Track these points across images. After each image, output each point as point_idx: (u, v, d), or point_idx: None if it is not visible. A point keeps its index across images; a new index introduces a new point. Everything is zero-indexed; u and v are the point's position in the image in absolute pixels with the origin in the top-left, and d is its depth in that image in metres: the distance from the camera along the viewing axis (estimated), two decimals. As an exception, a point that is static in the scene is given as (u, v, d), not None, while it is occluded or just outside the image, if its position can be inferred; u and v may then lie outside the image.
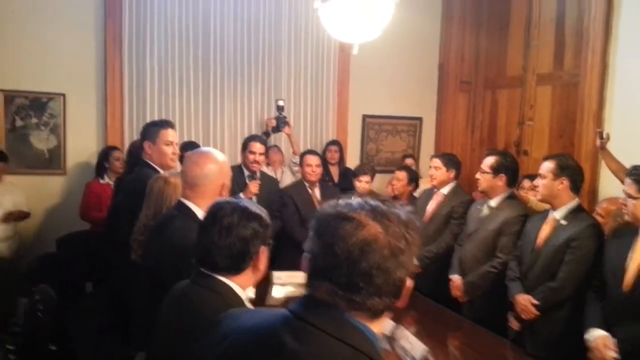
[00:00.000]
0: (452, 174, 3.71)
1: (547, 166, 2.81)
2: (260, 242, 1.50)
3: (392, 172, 5.25)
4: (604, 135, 3.36)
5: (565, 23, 4.52)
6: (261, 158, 3.95)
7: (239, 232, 1.46)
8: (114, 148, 4.50)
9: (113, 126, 4.74)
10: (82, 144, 4.72)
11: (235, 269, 1.49)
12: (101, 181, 4.39)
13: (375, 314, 0.97)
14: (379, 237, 0.93)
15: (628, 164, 3.15)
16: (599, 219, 3.07)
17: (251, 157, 3.88)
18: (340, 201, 1.00)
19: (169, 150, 2.92)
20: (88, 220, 4.38)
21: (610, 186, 3.71)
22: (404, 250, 0.95)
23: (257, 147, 3.91)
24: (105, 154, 4.43)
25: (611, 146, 3.38)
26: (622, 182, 3.20)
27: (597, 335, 2.38)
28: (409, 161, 5.19)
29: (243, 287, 1.53)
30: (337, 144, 5.18)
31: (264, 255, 1.53)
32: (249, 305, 1.53)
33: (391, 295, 0.96)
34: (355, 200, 0.99)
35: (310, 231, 1.01)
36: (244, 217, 1.47)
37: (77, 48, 4.63)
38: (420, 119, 5.83)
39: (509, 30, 5.22)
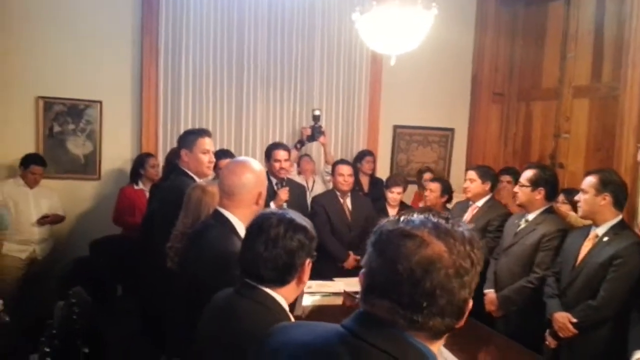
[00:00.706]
0: (488, 186, 3.66)
1: (590, 181, 2.74)
2: (306, 255, 1.49)
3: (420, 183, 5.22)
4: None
5: (604, 34, 4.43)
6: (287, 164, 3.96)
7: (285, 244, 1.45)
8: (150, 155, 4.56)
9: (148, 134, 4.82)
10: (117, 150, 4.81)
11: (280, 281, 1.49)
12: (135, 187, 4.45)
13: (436, 335, 0.94)
14: (444, 256, 0.90)
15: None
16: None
17: (277, 165, 3.89)
18: (402, 217, 0.97)
19: (205, 158, 2.94)
20: (121, 225, 4.44)
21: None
22: (469, 270, 0.92)
23: (282, 154, 3.92)
24: (141, 161, 4.49)
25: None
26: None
27: (642, 358, 2.31)
28: (427, 176, 5.01)
29: (287, 299, 1.52)
30: (372, 154, 5.16)
31: (308, 268, 1.52)
32: (292, 318, 1.52)
33: (454, 316, 0.93)
34: (417, 217, 0.96)
35: (369, 246, 0.98)
36: (290, 229, 1.47)
37: (115, 58, 4.73)
38: (452, 130, 5.77)
39: (544, 41, 5.14)
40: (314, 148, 5.19)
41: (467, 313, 0.95)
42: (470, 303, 0.95)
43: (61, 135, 4.70)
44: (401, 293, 0.90)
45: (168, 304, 2.33)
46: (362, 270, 0.99)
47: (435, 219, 0.95)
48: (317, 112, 4.79)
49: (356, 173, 4.69)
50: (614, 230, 2.69)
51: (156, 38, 4.75)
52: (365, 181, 5.08)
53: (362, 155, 5.11)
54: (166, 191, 2.99)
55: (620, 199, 2.71)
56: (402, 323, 0.91)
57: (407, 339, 0.92)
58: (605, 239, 2.69)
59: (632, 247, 2.60)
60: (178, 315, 2.07)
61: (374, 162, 5.15)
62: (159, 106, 4.80)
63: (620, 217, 2.72)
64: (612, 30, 4.35)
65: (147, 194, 4.25)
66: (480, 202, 3.67)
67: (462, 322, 0.95)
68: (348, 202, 4.18)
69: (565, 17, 4.84)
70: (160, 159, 4.60)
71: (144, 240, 3.25)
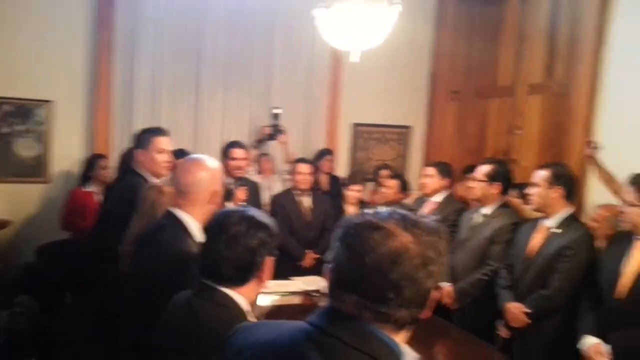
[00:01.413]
0: (446, 182, 3.71)
1: (542, 175, 2.82)
2: (267, 253, 1.46)
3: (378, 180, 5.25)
4: (594, 145, 3.39)
5: (557, 34, 4.56)
6: (243, 163, 3.91)
7: (247, 242, 1.42)
8: (101, 156, 4.41)
9: (100, 134, 4.65)
10: (67, 151, 4.62)
11: (240, 281, 1.45)
12: (85, 189, 4.28)
13: (402, 326, 0.94)
14: (410, 247, 0.91)
15: (618, 173, 3.20)
16: (593, 224, 3.10)
17: (233, 163, 3.84)
18: (368, 210, 0.98)
19: (161, 158, 2.86)
20: (70, 229, 4.25)
21: (598, 196, 3.73)
22: (435, 260, 0.93)
23: (238, 152, 3.88)
24: (92, 162, 4.33)
25: (601, 156, 3.41)
26: (613, 191, 3.26)
27: (590, 343, 2.39)
28: (384, 172, 5.01)
29: (248, 299, 1.48)
30: (331, 153, 5.15)
31: (269, 266, 1.49)
32: (252, 318, 1.48)
33: (418, 306, 0.93)
34: (383, 210, 0.97)
35: (335, 241, 0.97)
36: (252, 227, 1.43)
37: (67, 56, 4.55)
38: (409, 128, 5.84)
39: (500, 40, 5.25)
40: (273, 147, 5.13)
41: (430, 303, 0.95)
42: (434, 293, 0.95)
43: (8, 137, 4.48)
44: (368, 286, 0.91)
45: (122, 308, 2.25)
46: (329, 266, 0.98)
47: (402, 211, 0.96)
48: (276, 111, 4.76)
49: (316, 171, 4.68)
50: (564, 222, 2.77)
51: (111, 34, 4.58)
52: (324, 180, 5.08)
53: (321, 154, 5.10)
54: (121, 192, 2.89)
55: (571, 192, 2.80)
56: (369, 316, 0.92)
57: (374, 332, 0.92)
58: (557, 230, 2.77)
59: (583, 239, 2.69)
60: (132, 318, 1.99)
61: (334, 160, 5.14)
62: (112, 105, 4.65)
63: (570, 209, 2.81)
64: (564, 29, 4.48)
65: (98, 196, 4.13)
66: (437, 198, 3.71)
67: (426, 312, 0.96)
68: (307, 201, 4.16)
69: (521, 16, 4.95)
70: (113, 160, 4.44)
71: (96, 243, 3.13)
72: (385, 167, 5.30)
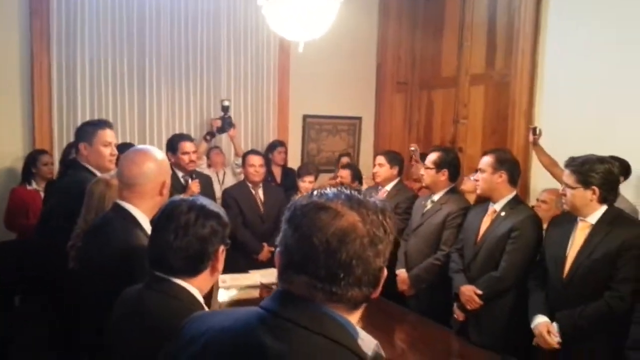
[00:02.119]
0: (396, 170, 3.79)
1: (487, 160, 2.92)
2: (219, 242, 1.44)
3: (333, 171, 5.32)
4: (537, 131, 3.54)
5: (497, 25, 4.72)
6: (195, 156, 3.86)
7: (197, 231, 1.39)
8: (43, 152, 4.23)
9: (41, 129, 4.46)
10: (6, 148, 4.41)
11: (192, 271, 1.43)
12: (28, 187, 4.11)
13: (355, 306, 0.95)
14: (358, 226, 0.91)
15: (557, 158, 3.36)
16: (543, 206, 3.23)
17: (186, 157, 3.78)
18: (315, 192, 0.98)
19: (107, 151, 2.77)
20: (14, 229, 4.09)
21: (540, 180, 3.91)
22: (383, 239, 0.93)
23: (189, 146, 3.82)
24: (33, 159, 4.15)
25: (542, 142, 3.57)
26: (553, 175, 3.41)
27: (540, 322, 2.50)
28: (344, 160, 5.21)
29: (201, 290, 1.46)
30: (283, 144, 5.15)
31: (222, 256, 1.47)
32: (206, 309, 1.47)
33: (370, 285, 0.94)
34: (330, 190, 0.97)
35: (283, 224, 0.97)
36: (201, 216, 1.41)
37: (0, 46, 4.32)
38: (359, 119, 5.91)
39: (443, 32, 5.39)
40: (223, 140, 5.09)
41: (382, 281, 0.96)
42: (385, 272, 0.97)
43: (-61, 134, 4.24)
44: (318, 266, 0.90)
45: (73, 306, 2.19)
46: (278, 249, 0.98)
47: (348, 191, 0.96)
48: (226, 103, 4.71)
49: (268, 164, 4.68)
50: (509, 205, 2.88)
51: (47, 22, 4.39)
52: (277, 172, 5.08)
53: (273, 146, 5.10)
54: (65, 187, 2.78)
55: (515, 175, 2.91)
56: (321, 297, 0.92)
57: (326, 312, 0.92)
58: (503, 213, 2.87)
59: (528, 220, 2.80)
60: (84, 316, 1.94)
61: (286, 152, 5.14)
62: (52, 98, 4.46)
63: (514, 192, 2.93)
64: (503, 21, 4.64)
65: (42, 194, 3.96)
66: (389, 186, 3.78)
67: (378, 291, 0.97)
68: (260, 193, 4.16)
69: (462, 8, 5.10)
70: (56, 156, 4.29)
71: (40, 240, 3.01)
72: (346, 154, 5.40)
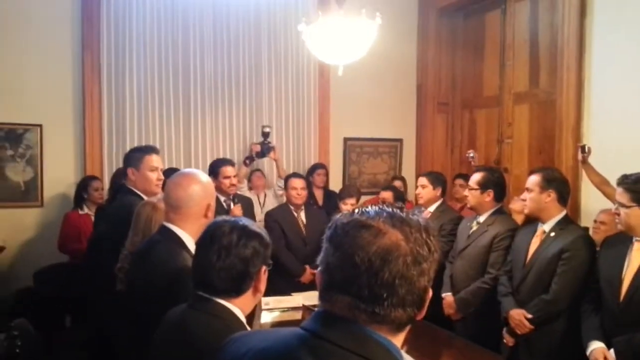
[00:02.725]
0: (439, 191, 3.73)
1: (534, 180, 2.83)
2: (261, 262, 1.45)
3: (375, 193, 5.28)
4: (586, 149, 3.42)
5: (539, 42, 4.64)
6: (235, 180, 3.92)
7: (239, 252, 1.41)
8: (94, 178, 4.40)
9: (92, 156, 4.65)
10: (59, 174, 4.61)
11: (235, 291, 1.43)
12: (80, 212, 4.27)
13: (399, 327, 0.92)
14: (401, 245, 0.89)
15: (608, 176, 3.23)
16: (602, 227, 3.11)
17: (227, 181, 3.85)
18: (356, 209, 0.96)
19: (153, 176, 2.85)
20: (67, 252, 4.25)
21: (592, 200, 3.76)
22: (427, 257, 0.91)
23: (230, 170, 3.90)
24: (84, 184, 4.32)
25: (591, 160, 3.44)
26: (605, 194, 3.27)
27: (596, 348, 2.38)
28: (397, 183, 5.17)
29: (244, 311, 1.47)
30: (324, 167, 5.17)
31: (264, 276, 1.48)
32: (249, 329, 1.47)
33: (415, 305, 0.91)
34: (371, 208, 0.95)
35: (324, 242, 0.96)
36: (243, 236, 1.42)
37: (54, 79, 4.56)
38: (400, 140, 5.87)
39: (484, 51, 5.34)
40: (265, 163, 5.15)
41: (427, 302, 0.93)
42: (430, 292, 0.94)
43: (-1, 162, 4.48)
44: (360, 286, 0.88)
45: (119, 328, 2.23)
46: (319, 269, 0.96)
47: (389, 209, 0.94)
48: (266, 130, 4.78)
49: (309, 186, 4.70)
50: (559, 226, 2.78)
51: (98, 55, 4.62)
52: (319, 194, 5.08)
53: (313, 169, 5.12)
54: (114, 211, 2.88)
55: (564, 194, 2.81)
56: (364, 318, 0.89)
57: (369, 334, 0.89)
58: (552, 234, 2.77)
59: (579, 240, 2.69)
60: (129, 338, 1.97)
61: (326, 174, 5.16)
62: (102, 126, 4.66)
63: (564, 212, 2.82)
64: (546, 38, 4.56)
65: (93, 218, 4.10)
66: (432, 208, 3.73)
67: (423, 312, 0.94)
68: (302, 216, 4.16)
69: (502, 27, 5.04)
70: (106, 181, 4.44)
71: (90, 264, 3.11)
72: (399, 178, 5.41)
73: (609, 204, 3.21)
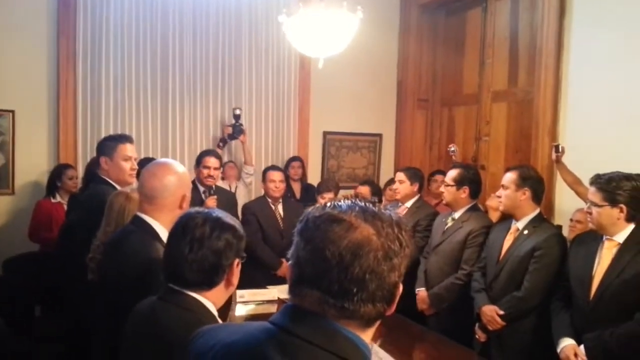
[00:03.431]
0: (416, 187, 3.74)
1: (510, 177, 2.86)
2: (234, 255, 1.43)
3: (353, 188, 5.29)
4: (560, 149, 3.47)
5: (519, 41, 4.68)
6: (216, 172, 3.90)
7: (212, 244, 1.38)
8: (68, 166, 4.31)
9: (66, 143, 4.55)
10: (32, 162, 4.50)
11: (207, 284, 1.41)
12: (52, 200, 4.18)
13: (368, 323, 0.91)
14: (372, 239, 0.87)
15: (582, 176, 3.28)
16: (579, 226, 3.15)
17: (205, 171, 3.82)
18: (328, 203, 0.94)
19: (127, 165, 2.81)
20: (37, 241, 4.16)
21: (566, 198, 3.82)
22: (398, 253, 0.89)
23: (212, 161, 3.85)
24: (58, 172, 4.23)
25: (565, 159, 3.49)
26: (578, 193, 3.33)
27: (566, 345, 2.41)
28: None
29: (216, 304, 1.45)
30: (299, 159, 5.16)
31: (237, 269, 1.46)
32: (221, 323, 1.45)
33: (385, 301, 0.90)
34: (343, 202, 0.94)
35: (295, 236, 0.94)
36: (217, 228, 1.40)
37: (28, 64, 4.44)
38: (380, 135, 5.88)
39: (464, 49, 5.37)
40: (238, 154, 5.12)
41: (397, 298, 0.93)
42: (400, 287, 0.93)
43: (-31, 148, 4.35)
44: (331, 280, 0.87)
45: (91, 319, 2.19)
46: (290, 262, 0.95)
47: (362, 203, 0.93)
48: (237, 111, 4.84)
49: (287, 179, 4.68)
50: (533, 224, 2.81)
51: (73, 41, 4.50)
52: (297, 187, 5.07)
53: (289, 161, 5.11)
54: (86, 200, 2.82)
55: (539, 193, 2.84)
56: (333, 313, 0.88)
57: (338, 329, 0.88)
58: (526, 232, 2.80)
59: (551, 239, 2.73)
60: (102, 330, 1.94)
61: (302, 167, 5.15)
62: (77, 114, 4.55)
63: (538, 210, 2.85)
64: (525, 37, 4.60)
65: (65, 207, 4.02)
66: (409, 203, 3.74)
67: (392, 308, 0.93)
68: (280, 209, 4.15)
69: (483, 25, 5.07)
70: (80, 170, 4.36)
71: (61, 253, 3.05)
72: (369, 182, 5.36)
73: (582, 204, 3.27)
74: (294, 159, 5.16)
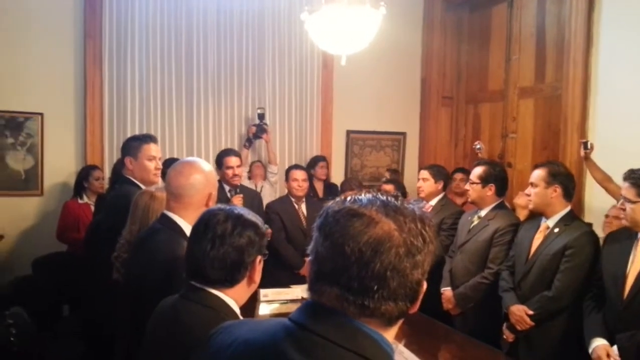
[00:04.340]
0: (440, 185, 3.68)
1: (539, 174, 2.78)
2: (256, 252, 1.42)
3: (377, 187, 5.25)
4: (589, 146, 3.37)
5: (546, 36, 4.58)
6: (239, 170, 3.89)
7: (234, 241, 1.37)
8: (95, 167, 4.39)
9: (93, 145, 4.63)
10: (60, 163, 4.60)
11: (229, 282, 1.40)
12: (80, 201, 4.25)
13: (390, 321, 0.87)
14: (394, 235, 0.84)
15: (612, 173, 3.19)
16: (615, 222, 3.03)
17: (229, 172, 3.82)
18: (349, 197, 0.91)
19: (151, 165, 2.82)
20: (65, 241, 4.23)
21: (595, 196, 3.72)
22: (421, 249, 0.86)
23: (234, 160, 3.86)
24: (85, 173, 4.30)
25: (595, 156, 3.40)
26: (608, 190, 3.24)
27: (598, 345, 2.34)
28: (387, 174, 5.22)
29: (238, 302, 1.43)
30: (325, 160, 5.14)
31: (259, 266, 1.44)
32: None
33: (407, 299, 0.86)
34: (364, 195, 0.90)
35: (315, 231, 0.91)
36: (239, 225, 1.39)
37: (56, 67, 4.54)
38: (404, 134, 5.83)
39: (489, 45, 5.28)
40: (264, 153, 5.13)
41: (420, 296, 0.89)
42: (425, 285, 0.89)
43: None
44: (350, 277, 0.84)
45: (115, 319, 2.20)
46: (309, 258, 0.92)
47: (383, 197, 0.89)
48: (260, 111, 4.87)
49: (310, 179, 4.67)
50: (564, 222, 2.72)
51: (100, 44, 4.59)
52: (319, 187, 5.06)
53: (315, 161, 5.10)
54: (113, 200, 2.85)
55: (570, 189, 2.75)
56: (353, 310, 0.85)
57: (359, 327, 0.85)
58: (556, 230, 2.72)
59: (583, 237, 2.64)
60: (126, 330, 1.94)
61: (328, 167, 5.13)
62: (104, 115, 4.64)
63: (569, 207, 2.77)
64: (552, 32, 4.50)
65: (93, 208, 4.08)
66: (433, 201, 3.68)
67: (416, 306, 0.89)
68: (303, 208, 4.13)
69: (508, 20, 4.98)
70: (107, 171, 4.42)
71: (87, 253, 3.09)
72: (394, 170, 5.40)
73: (612, 201, 3.17)
74: (320, 158, 5.13)
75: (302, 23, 3.20)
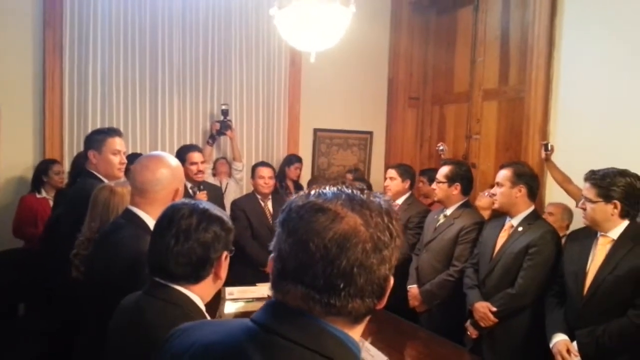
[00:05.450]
0: (407, 184, 3.72)
1: (504, 174, 2.83)
2: (222, 248, 1.38)
3: (341, 179, 5.24)
4: (549, 147, 3.46)
5: (510, 40, 4.67)
6: (203, 166, 3.85)
7: (199, 237, 1.33)
8: (54, 161, 4.24)
9: (52, 138, 4.47)
10: (17, 157, 4.42)
11: (194, 278, 1.36)
12: (37, 195, 4.11)
13: (357, 319, 0.85)
14: (360, 230, 0.81)
15: (572, 174, 3.28)
16: (550, 218, 3.20)
17: (194, 168, 3.76)
18: (312, 191, 0.87)
19: (116, 159, 2.76)
20: (22, 237, 4.09)
21: (555, 196, 3.81)
22: (388, 244, 0.83)
23: (197, 156, 3.81)
24: (44, 167, 4.16)
25: (556, 158, 3.49)
26: (567, 191, 3.33)
27: (559, 341, 2.40)
28: (348, 176, 5.12)
29: (203, 298, 1.40)
30: (300, 160, 5.10)
31: (225, 262, 1.41)
32: (208, 318, 1.41)
33: (374, 295, 0.84)
34: (329, 189, 0.86)
35: (277, 226, 0.87)
36: (204, 220, 1.35)
37: (13, 57, 4.35)
38: (370, 133, 5.85)
39: (455, 47, 5.36)
40: (228, 149, 5.07)
41: (387, 292, 0.86)
42: (391, 280, 0.87)
43: (-49, 143, 4.26)
44: (315, 275, 0.80)
45: (77, 316, 2.13)
46: (271, 255, 0.88)
47: (349, 190, 0.86)
48: (224, 107, 4.80)
49: (284, 178, 4.66)
50: (527, 221, 2.78)
51: (60, 33, 4.42)
52: (290, 186, 5.03)
53: (291, 161, 5.06)
54: (73, 194, 2.76)
55: (534, 189, 2.83)
56: (319, 310, 0.82)
57: (324, 326, 0.82)
58: (520, 229, 2.78)
59: (546, 236, 2.70)
60: (88, 330, 1.88)
61: (301, 169, 5.11)
62: (64, 108, 4.47)
63: (532, 207, 2.83)
64: (516, 36, 4.60)
65: (51, 203, 3.95)
66: (400, 200, 3.71)
67: (383, 302, 0.87)
68: (269, 205, 4.11)
69: (474, 23, 5.06)
70: (66, 165, 4.28)
71: (45, 249, 2.98)
72: (356, 170, 5.33)
73: (572, 201, 3.27)
74: (296, 159, 5.08)
75: (270, 19, 3.17)
